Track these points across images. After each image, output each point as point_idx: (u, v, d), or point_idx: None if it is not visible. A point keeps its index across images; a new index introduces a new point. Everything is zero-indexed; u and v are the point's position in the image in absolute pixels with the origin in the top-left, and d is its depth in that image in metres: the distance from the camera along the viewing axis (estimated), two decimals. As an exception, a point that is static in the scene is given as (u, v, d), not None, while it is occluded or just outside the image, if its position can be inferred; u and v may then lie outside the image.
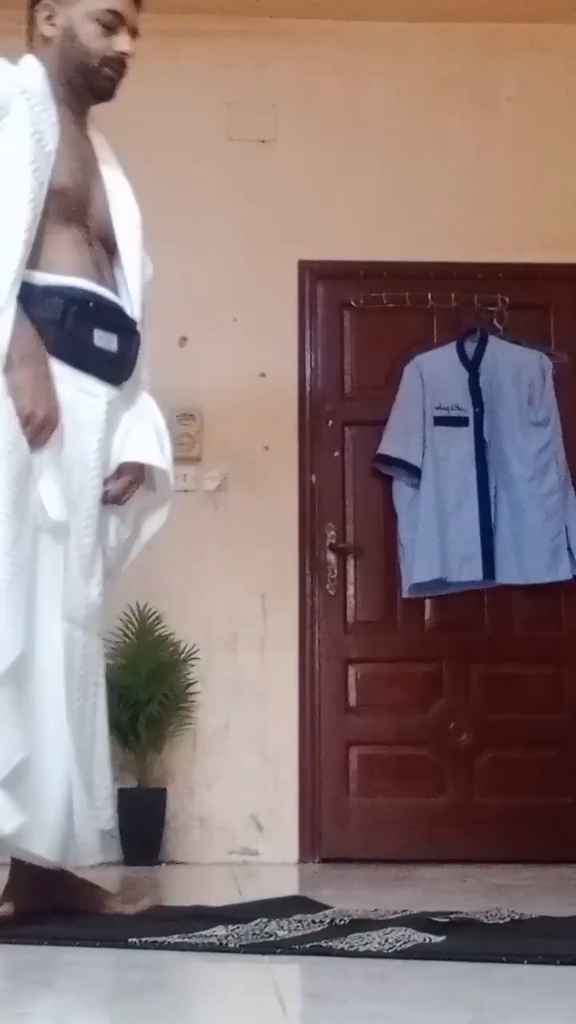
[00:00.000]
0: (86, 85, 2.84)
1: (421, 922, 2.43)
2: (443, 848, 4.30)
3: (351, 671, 4.48)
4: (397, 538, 4.50)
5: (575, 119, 4.81)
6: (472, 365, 4.56)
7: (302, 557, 4.51)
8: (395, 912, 2.61)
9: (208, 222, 4.65)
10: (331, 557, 4.53)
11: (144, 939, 2.24)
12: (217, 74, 4.73)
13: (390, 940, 2.23)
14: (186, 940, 2.24)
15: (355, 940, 2.24)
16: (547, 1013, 1.87)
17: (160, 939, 2.25)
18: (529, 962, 2.13)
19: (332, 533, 4.54)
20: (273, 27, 4.73)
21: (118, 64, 2.85)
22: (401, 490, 4.52)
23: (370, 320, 4.66)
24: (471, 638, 4.52)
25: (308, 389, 4.62)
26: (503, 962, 2.13)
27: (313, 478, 4.57)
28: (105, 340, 2.72)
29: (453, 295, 4.61)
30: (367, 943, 2.22)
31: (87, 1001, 1.98)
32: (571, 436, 4.56)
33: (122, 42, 2.82)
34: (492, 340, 4.58)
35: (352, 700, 4.48)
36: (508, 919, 2.56)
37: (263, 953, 2.17)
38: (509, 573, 4.44)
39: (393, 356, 4.59)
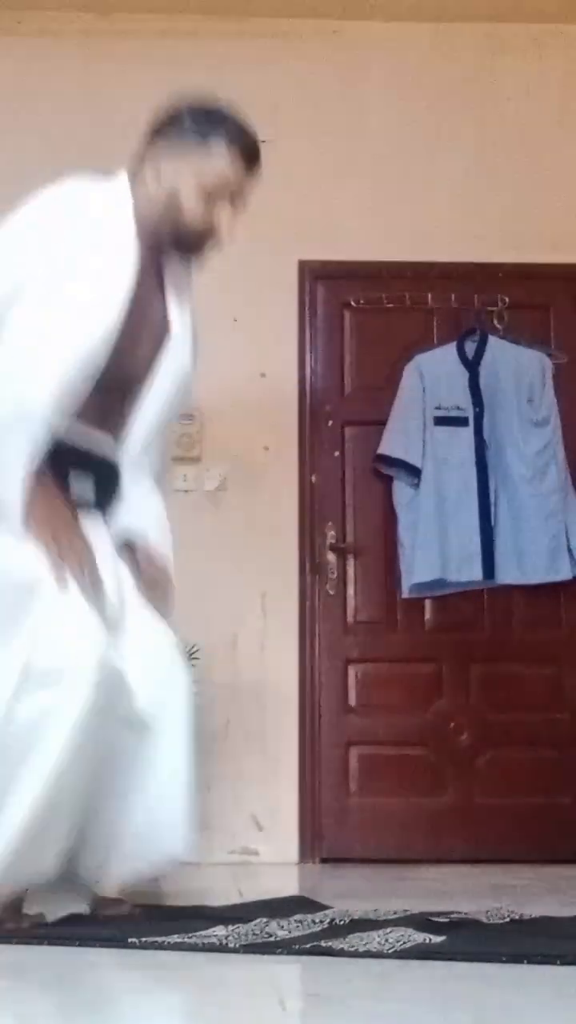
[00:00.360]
0: (176, 244, 2.73)
1: (421, 922, 2.43)
2: (443, 848, 4.30)
3: (351, 671, 4.48)
4: (397, 538, 4.50)
5: (575, 119, 4.81)
6: (472, 365, 4.55)
7: (302, 557, 4.51)
8: (395, 912, 2.61)
9: (208, 222, 4.64)
10: (331, 557, 4.53)
11: (144, 939, 2.23)
12: (217, 74, 4.72)
13: (390, 940, 2.23)
14: (186, 940, 2.24)
15: (355, 940, 2.24)
16: (547, 1013, 1.87)
17: (160, 939, 2.25)
18: (529, 962, 2.13)
19: (332, 533, 4.54)
20: (273, 27, 4.72)
21: (213, 236, 2.72)
22: (401, 490, 4.52)
23: (370, 320, 4.66)
24: (471, 638, 4.52)
25: (308, 389, 4.62)
26: (503, 962, 2.13)
27: (313, 478, 4.57)
28: (80, 486, 2.67)
29: (453, 295, 4.60)
30: (367, 943, 2.22)
31: (87, 1001, 1.98)
32: (571, 436, 4.56)
33: (223, 216, 2.69)
34: (492, 340, 4.58)
35: (352, 700, 4.48)
36: (508, 919, 2.56)
37: (263, 953, 2.17)
38: (509, 573, 4.44)
39: (393, 356, 4.59)
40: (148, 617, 2.72)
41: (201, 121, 2.70)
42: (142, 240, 2.69)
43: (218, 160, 2.67)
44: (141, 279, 2.68)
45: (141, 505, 2.80)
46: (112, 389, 2.66)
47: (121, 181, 2.75)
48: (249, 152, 2.71)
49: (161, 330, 2.76)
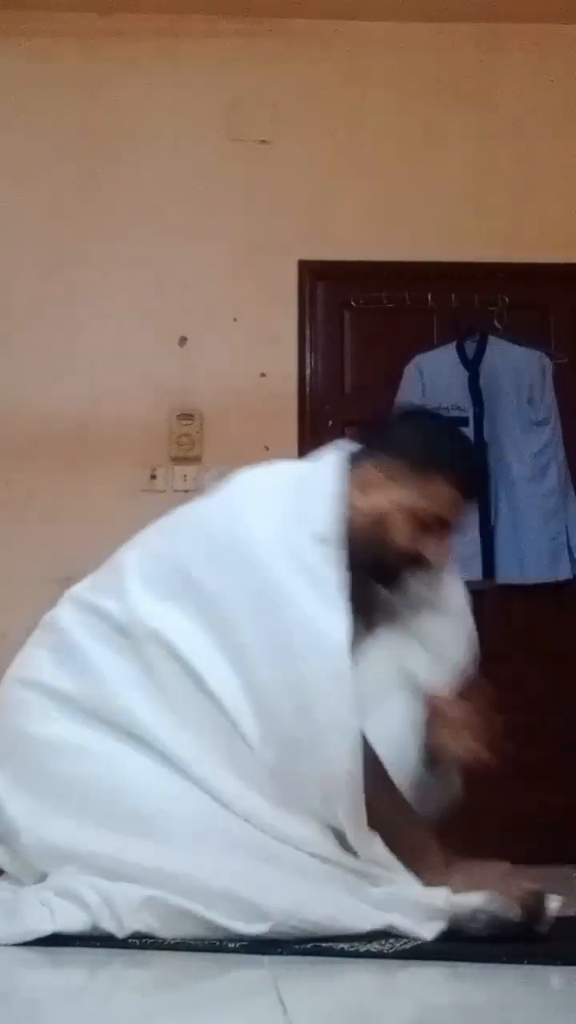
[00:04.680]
0: (374, 572, 2.44)
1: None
2: (443, 848, 4.28)
3: (351, 671, 4.47)
4: (397, 538, 4.49)
5: (575, 119, 4.80)
6: (472, 365, 4.55)
7: (302, 557, 4.50)
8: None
9: (208, 222, 4.65)
10: (331, 557, 4.52)
11: (144, 939, 2.23)
12: (217, 74, 4.73)
13: (390, 940, 2.23)
14: (186, 940, 2.24)
15: (355, 940, 2.23)
16: (547, 1013, 1.87)
17: (160, 938, 2.25)
18: (529, 962, 2.13)
19: (332, 533, 4.53)
20: (273, 27, 4.72)
21: (415, 564, 2.44)
22: (401, 490, 4.51)
23: (370, 320, 4.66)
24: (471, 638, 4.51)
25: (308, 389, 4.62)
26: (503, 962, 2.13)
27: (313, 478, 4.56)
28: None
29: (453, 295, 4.60)
30: (367, 943, 2.22)
31: (87, 1001, 1.98)
32: (571, 436, 4.56)
33: (436, 551, 2.42)
34: (492, 340, 4.58)
35: (352, 700, 4.47)
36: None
37: (263, 953, 2.16)
38: (509, 573, 4.44)
39: (393, 356, 4.58)
40: None
41: (423, 447, 2.45)
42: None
43: (438, 496, 2.42)
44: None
45: None
46: None
47: (338, 486, 2.45)
48: (471, 485, 2.52)
49: None
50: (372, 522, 2.42)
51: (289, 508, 2.43)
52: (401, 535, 2.41)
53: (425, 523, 2.40)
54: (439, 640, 2.55)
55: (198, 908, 2.21)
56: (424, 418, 2.65)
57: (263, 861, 2.25)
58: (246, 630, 2.34)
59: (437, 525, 2.42)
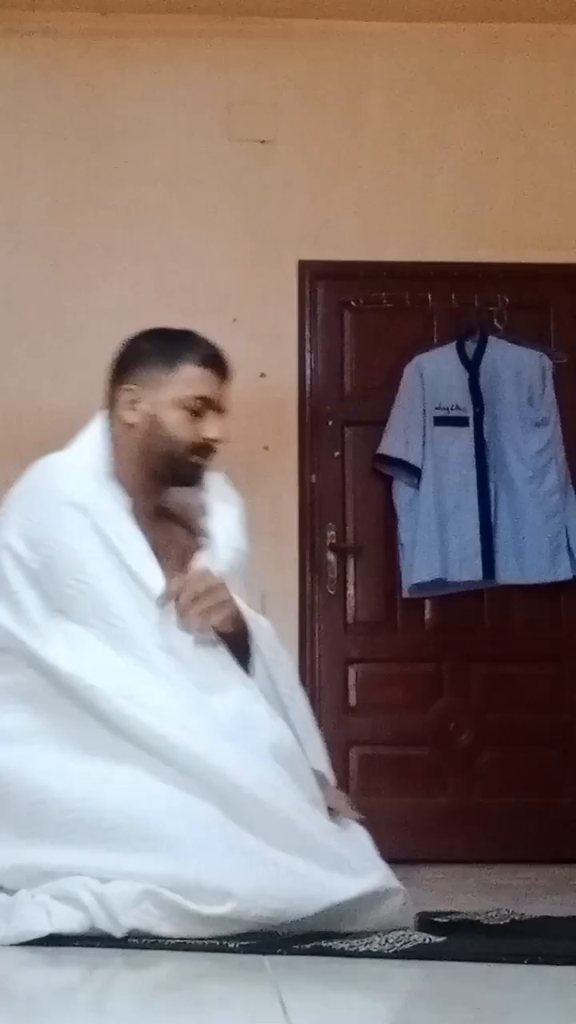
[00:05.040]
0: (170, 473, 2.67)
1: (421, 922, 2.43)
2: (443, 848, 4.30)
3: (351, 671, 4.49)
4: (397, 538, 4.50)
5: (575, 119, 4.81)
6: (472, 365, 4.56)
7: (302, 557, 4.51)
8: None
9: (208, 222, 4.65)
10: (331, 557, 4.53)
11: (144, 939, 2.23)
12: (217, 74, 4.73)
13: (390, 940, 2.23)
14: (186, 940, 2.24)
15: (355, 940, 2.23)
16: (547, 1013, 1.87)
17: (160, 939, 2.25)
18: (529, 962, 2.13)
19: (332, 533, 4.54)
20: (273, 27, 4.72)
21: (205, 450, 2.69)
22: (401, 490, 4.52)
23: (370, 320, 4.66)
24: (471, 638, 4.52)
25: (308, 389, 4.62)
26: (503, 962, 2.13)
27: (313, 478, 4.57)
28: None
29: (453, 295, 4.61)
30: (367, 943, 2.22)
31: (86, 1001, 1.98)
32: (571, 436, 4.56)
33: (211, 428, 2.68)
34: (492, 340, 4.58)
35: (352, 700, 4.48)
36: (508, 919, 2.56)
37: (263, 953, 2.16)
38: (509, 573, 4.44)
39: (393, 356, 4.59)
40: None
41: (164, 350, 2.69)
42: (130, 487, 2.63)
43: (189, 380, 2.67)
44: (138, 518, 2.61)
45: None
46: None
47: (92, 441, 2.70)
48: (217, 364, 2.75)
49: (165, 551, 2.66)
50: (148, 427, 2.63)
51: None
52: (178, 427, 2.64)
53: (192, 409, 2.65)
54: (229, 532, 2.76)
55: (188, 904, 2.22)
56: (146, 332, 2.78)
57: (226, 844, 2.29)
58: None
59: (204, 406, 2.67)
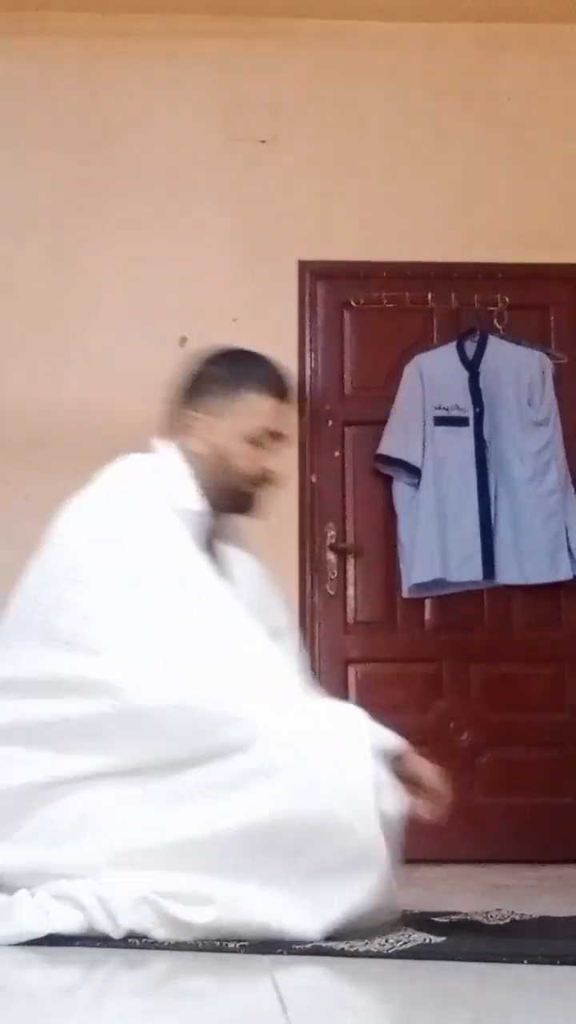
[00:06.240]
0: (230, 504, 2.61)
1: (421, 922, 2.43)
2: (443, 848, 4.29)
3: (351, 671, 4.48)
4: (397, 538, 4.50)
5: (575, 119, 4.81)
6: (472, 365, 4.56)
7: (302, 557, 4.51)
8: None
9: (208, 222, 4.65)
10: (331, 557, 4.53)
11: (144, 939, 2.23)
12: (217, 74, 4.73)
13: (390, 940, 2.23)
14: (186, 940, 2.24)
15: (355, 940, 2.23)
16: (547, 1013, 1.87)
17: (159, 940, 2.25)
18: (529, 962, 2.13)
19: (332, 533, 4.54)
20: (273, 27, 4.72)
21: (264, 481, 2.63)
22: (401, 490, 4.52)
23: (370, 320, 4.66)
24: (471, 638, 4.52)
25: (308, 389, 4.62)
26: (503, 962, 2.13)
27: (313, 478, 4.57)
28: None
29: (453, 295, 4.61)
30: (367, 943, 2.22)
31: (86, 1001, 1.98)
32: (571, 436, 4.56)
33: (273, 460, 2.62)
34: (492, 340, 4.58)
35: (352, 700, 4.47)
36: (508, 919, 2.56)
37: (263, 953, 2.16)
38: (509, 573, 4.44)
39: (393, 356, 4.59)
40: None
41: (233, 376, 2.61)
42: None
43: (256, 411, 2.60)
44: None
45: None
46: None
47: (173, 458, 2.61)
48: (281, 389, 2.66)
49: None
50: (216, 459, 2.57)
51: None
52: (242, 459, 2.58)
53: (257, 440, 2.59)
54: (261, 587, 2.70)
55: (178, 908, 2.23)
56: (213, 354, 2.69)
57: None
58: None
59: (269, 438, 2.61)
